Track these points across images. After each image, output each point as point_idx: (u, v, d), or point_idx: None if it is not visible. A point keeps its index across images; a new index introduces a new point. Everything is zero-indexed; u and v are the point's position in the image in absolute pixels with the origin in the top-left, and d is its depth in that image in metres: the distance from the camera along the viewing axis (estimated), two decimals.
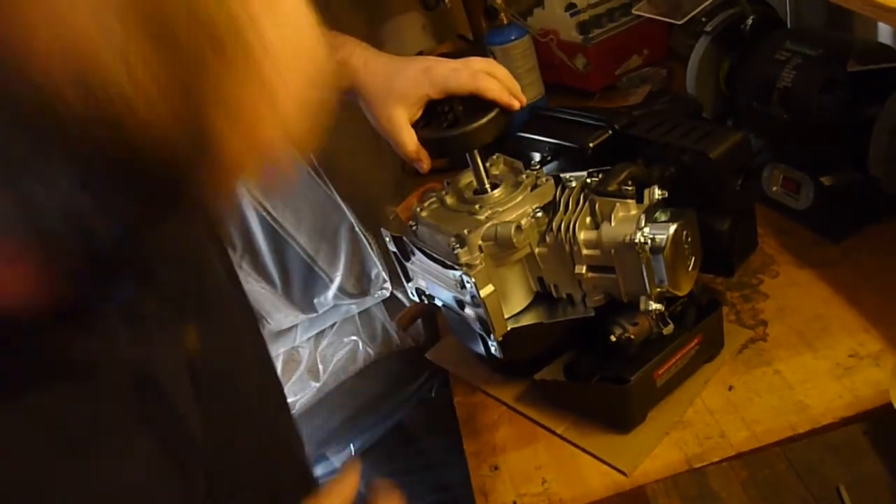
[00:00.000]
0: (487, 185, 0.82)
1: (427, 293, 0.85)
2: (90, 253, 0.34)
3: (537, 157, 0.89)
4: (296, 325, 1.21)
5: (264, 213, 1.16)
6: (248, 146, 0.36)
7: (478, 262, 0.76)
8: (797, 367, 0.82)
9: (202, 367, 0.52)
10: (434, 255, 0.80)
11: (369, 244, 1.21)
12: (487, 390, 0.91)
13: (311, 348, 1.23)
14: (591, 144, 0.84)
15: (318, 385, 1.19)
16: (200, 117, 0.33)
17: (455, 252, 0.76)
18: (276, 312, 1.17)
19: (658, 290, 0.73)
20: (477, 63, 0.83)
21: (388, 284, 1.20)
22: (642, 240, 0.70)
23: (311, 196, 1.14)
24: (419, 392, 1.27)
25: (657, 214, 0.73)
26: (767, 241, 0.99)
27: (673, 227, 0.70)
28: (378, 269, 1.22)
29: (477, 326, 0.80)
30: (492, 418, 0.88)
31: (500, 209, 0.79)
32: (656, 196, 0.74)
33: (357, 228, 1.20)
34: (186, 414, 0.51)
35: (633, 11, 1.26)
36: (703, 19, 1.04)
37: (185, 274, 0.53)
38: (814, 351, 0.83)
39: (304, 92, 0.38)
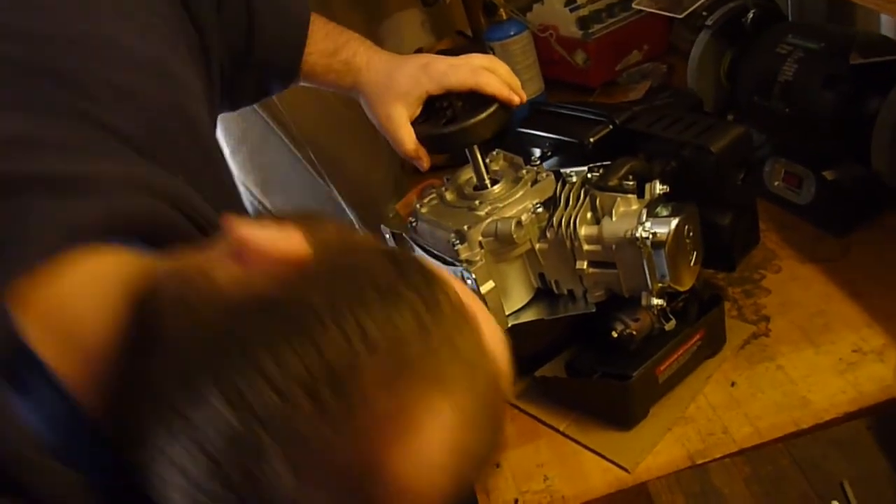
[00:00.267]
0: (487, 181, 0.82)
1: None
2: None
3: (537, 152, 0.89)
4: None
5: (263, 211, 1.16)
6: None
7: (478, 258, 0.75)
8: (800, 362, 0.82)
9: None
10: (434, 251, 0.79)
11: None
12: None
13: None
14: (591, 139, 0.84)
15: None
16: None
17: (455, 248, 0.75)
18: None
19: (659, 285, 0.72)
20: (477, 59, 0.82)
21: None
22: (643, 235, 0.70)
23: (311, 194, 1.14)
24: None
25: (658, 209, 0.72)
26: (769, 236, 0.98)
27: (674, 222, 0.70)
28: None
29: None
30: None
31: (501, 205, 0.78)
32: (657, 191, 0.74)
33: (357, 226, 1.19)
34: None
35: (634, 6, 1.25)
36: (704, 13, 1.03)
37: None
38: (816, 346, 0.83)
39: None
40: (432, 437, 0.40)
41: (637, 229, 0.70)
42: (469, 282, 0.75)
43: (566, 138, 0.87)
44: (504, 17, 1.31)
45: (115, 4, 0.61)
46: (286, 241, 0.43)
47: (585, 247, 0.75)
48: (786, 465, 0.70)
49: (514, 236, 0.75)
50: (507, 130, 0.85)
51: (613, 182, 0.74)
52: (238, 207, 0.69)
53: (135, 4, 0.63)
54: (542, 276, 0.81)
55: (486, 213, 0.78)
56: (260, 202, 1.18)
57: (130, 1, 0.63)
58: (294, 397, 0.38)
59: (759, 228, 0.84)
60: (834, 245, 0.95)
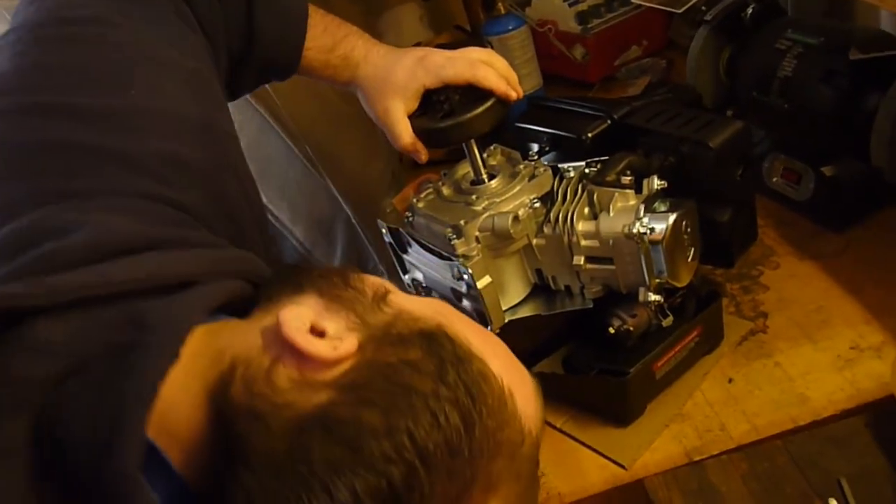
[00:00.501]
0: (484, 176, 0.81)
1: (424, 285, 0.85)
2: None
3: (535, 147, 0.88)
4: None
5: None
6: None
7: (475, 252, 0.75)
8: (798, 359, 0.81)
9: None
10: (431, 246, 0.79)
11: (366, 237, 1.20)
12: None
13: None
14: (589, 134, 0.83)
15: None
16: None
17: (452, 243, 0.75)
18: None
19: (657, 281, 0.72)
20: (474, 52, 0.82)
21: (385, 277, 1.19)
22: (641, 230, 0.69)
23: (307, 188, 1.14)
24: None
25: (656, 205, 0.72)
26: (768, 232, 0.98)
27: (672, 218, 0.69)
28: (375, 262, 1.21)
29: (474, 318, 0.79)
30: None
31: (498, 200, 0.78)
32: (655, 186, 0.73)
33: (353, 221, 1.19)
34: None
35: (633, 1, 1.24)
36: (703, 8, 1.02)
37: None
38: (814, 343, 0.83)
39: None
40: None
41: (634, 225, 0.69)
42: (465, 277, 0.74)
43: (564, 133, 0.86)
44: (502, 11, 1.31)
45: (153, 60, 0.63)
46: (336, 352, 0.46)
47: (583, 242, 0.74)
48: (783, 463, 0.69)
49: (511, 231, 0.74)
50: (504, 125, 0.85)
51: (611, 177, 0.74)
52: (265, 230, 0.72)
53: (166, 50, 0.64)
54: (539, 272, 0.81)
55: (483, 208, 0.77)
56: None
57: (163, 49, 0.64)
58: None
59: (757, 224, 0.83)
60: (832, 241, 0.94)
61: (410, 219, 0.84)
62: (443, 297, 0.82)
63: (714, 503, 0.68)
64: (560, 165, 0.80)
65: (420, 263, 0.83)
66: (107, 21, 0.62)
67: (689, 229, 0.72)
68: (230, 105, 0.72)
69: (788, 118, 0.92)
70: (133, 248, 0.51)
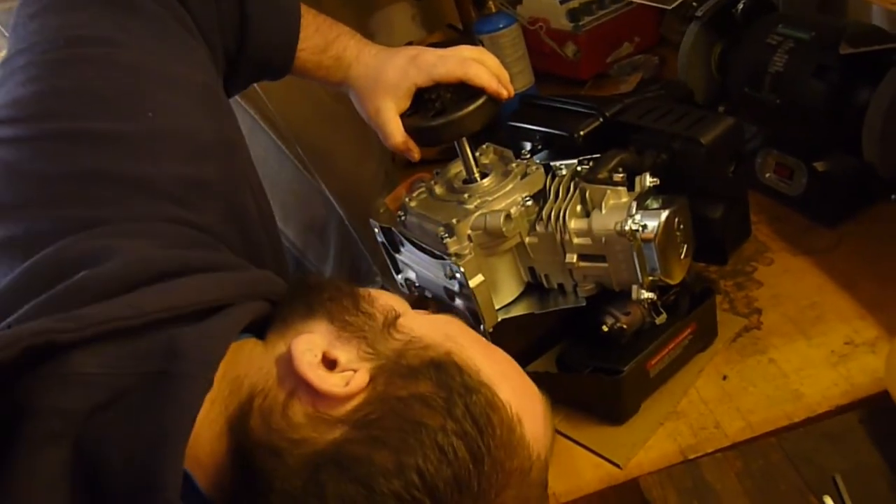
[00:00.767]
0: (477, 175, 0.81)
1: (417, 285, 0.84)
2: None
3: (528, 145, 0.88)
4: None
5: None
6: None
7: (467, 251, 0.74)
8: (792, 355, 0.81)
9: None
10: (423, 245, 0.78)
11: (359, 238, 1.20)
12: None
13: None
14: (581, 132, 0.83)
15: None
16: None
17: (444, 242, 0.74)
18: None
19: (650, 278, 0.71)
20: (466, 51, 0.82)
21: (378, 278, 1.19)
22: (633, 227, 0.69)
23: (299, 189, 1.13)
24: None
25: (648, 202, 0.72)
26: (761, 228, 0.98)
27: (664, 215, 0.69)
28: (369, 263, 1.21)
29: (467, 317, 0.79)
30: None
31: (490, 198, 0.77)
32: (647, 183, 0.73)
33: (346, 222, 1.18)
34: None
35: None
36: (694, 4, 1.02)
37: None
38: (809, 339, 0.82)
39: None
40: None
41: (627, 222, 0.69)
42: (458, 276, 0.74)
43: (556, 131, 0.86)
44: (493, 9, 1.31)
45: (164, 79, 0.63)
46: (348, 388, 0.48)
47: (575, 240, 0.74)
48: (778, 460, 0.69)
49: (504, 230, 0.74)
50: (497, 123, 0.84)
51: (603, 175, 0.74)
52: (276, 239, 0.73)
53: (174, 66, 0.64)
54: (532, 270, 0.80)
55: (476, 207, 0.77)
56: None
57: (171, 65, 0.64)
58: None
59: (750, 220, 0.83)
60: (826, 236, 0.94)
61: (403, 218, 0.83)
62: (435, 297, 0.82)
63: (709, 501, 0.68)
64: (552, 163, 0.80)
65: (413, 263, 0.83)
66: (111, 41, 0.62)
67: (681, 226, 0.71)
68: None
69: (780, 113, 0.92)
70: (162, 274, 0.52)
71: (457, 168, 0.83)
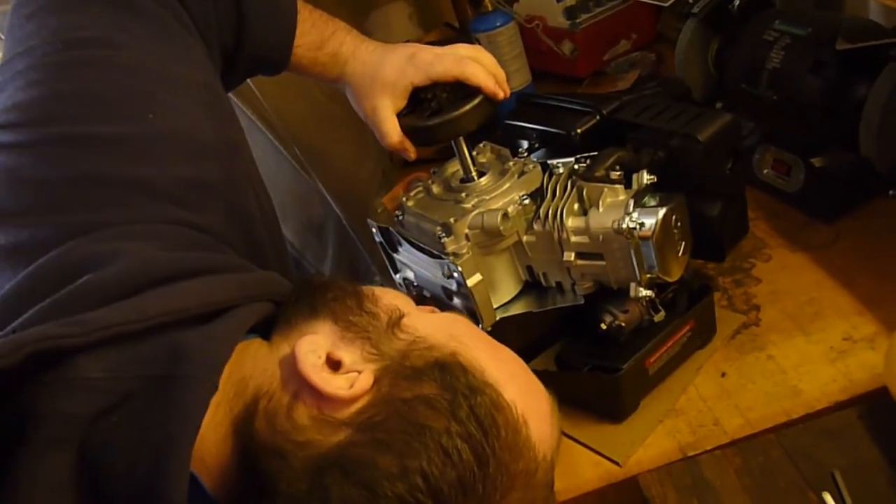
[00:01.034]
0: (474, 173, 0.81)
1: (415, 284, 0.84)
2: None
3: (525, 144, 0.88)
4: None
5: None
6: None
7: (464, 250, 0.74)
8: (791, 351, 0.81)
9: None
10: (421, 244, 0.78)
11: (357, 237, 1.20)
12: None
13: None
14: (578, 130, 0.83)
15: None
16: None
17: (441, 241, 0.74)
18: None
19: (648, 276, 0.71)
20: (462, 49, 0.82)
21: (377, 277, 1.19)
22: (631, 225, 0.69)
23: (296, 189, 1.13)
24: None
25: (646, 199, 0.72)
26: (759, 225, 0.97)
27: (662, 212, 0.69)
28: (367, 263, 1.21)
29: (466, 317, 0.79)
30: None
31: (487, 197, 0.77)
32: (645, 181, 0.73)
33: (344, 222, 1.18)
34: None
35: None
36: (690, 0, 1.02)
37: None
38: (807, 335, 0.82)
39: None
40: None
41: (624, 220, 0.69)
42: (456, 275, 0.74)
43: (553, 130, 0.86)
44: (490, 8, 1.30)
45: (164, 80, 0.63)
46: (352, 390, 0.48)
47: (573, 238, 0.74)
48: (777, 456, 0.69)
49: (501, 228, 0.74)
50: (494, 122, 0.84)
51: (600, 173, 0.74)
52: (278, 237, 0.73)
53: (175, 66, 0.64)
54: (530, 269, 0.80)
55: (473, 206, 0.77)
56: None
57: (172, 65, 0.64)
58: None
59: (748, 217, 0.83)
60: (823, 232, 0.94)
61: (400, 218, 0.83)
62: (434, 296, 0.82)
63: (708, 498, 0.68)
64: (549, 162, 0.79)
65: (411, 262, 0.83)
66: (111, 43, 0.62)
67: (679, 224, 0.71)
68: None
69: (777, 110, 0.92)
70: (166, 277, 0.52)
71: (454, 167, 0.83)
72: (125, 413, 0.45)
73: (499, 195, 0.78)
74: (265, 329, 0.55)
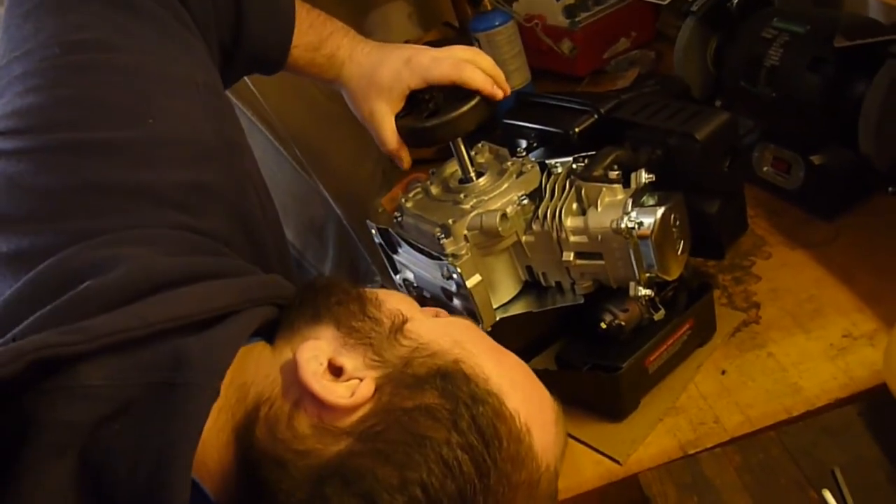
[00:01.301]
0: (472, 174, 0.81)
1: (415, 285, 0.84)
2: None
3: (523, 143, 0.88)
4: None
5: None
6: None
7: (463, 251, 0.74)
8: (791, 349, 0.81)
9: None
10: (420, 245, 0.78)
11: (358, 238, 1.20)
12: None
13: None
14: (576, 129, 0.83)
15: None
16: None
17: (440, 242, 0.74)
18: None
19: (647, 275, 0.71)
20: (460, 51, 0.81)
21: (378, 278, 1.19)
22: (629, 225, 0.69)
23: (297, 190, 1.13)
24: None
25: (644, 198, 0.72)
26: (758, 223, 0.97)
27: (660, 211, 0.69)
28: (367, 263, 1.21)
29: (465, 318, 0.79)
30: None
31: (486, 198, 0.77)
32: (643, 180, 0.73)
33: (344, 222, 1.18)
34: None
35: None
36: None
37: None
38: (807, 332, 0.82)
39: None
40: None
41: (623, 219, 0.69)
42: (455, 276, 0.74)
43: (551, 129, 0.86)
44: (489, 7, 1.30)
45: (164, 82, 0.62)
46: (353, 399, 0.48)
47: (571, 238, 0.74)
48: (777, 454, 0.69)
49: (500, 229, 0.74)
50: (493, 122, 0.84)
51: (598, 172, 0.74)
52: (280, 239, 0.73)
53: (174, 67, 0.64)
54: (529, 269, 0.80)
55: (472, 207, 0.77)
56: None
57: (171, 66, 0.64)
58: None
59: (747, 215, 0.83)
60: (823, 229, 0.94)
61: (399, 219, 0.83)
62: (433, 297, 0.82)
63: (708, 496, 0.68)
64: (548, 161, 0.79)
65: (410, 263, 0.83)
66: (110, 45, 0.61)
67: (677, 222, 0.71)
68: None
69: (776, 107, 0.92)
70: (167, 282, 0.52)
71: (452, 168, 0.83)
72: (127, 420, 0.45)
73: (497, 195, 0.78)
74: (269, 332, 0.55)
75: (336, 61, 0.83)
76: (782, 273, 0.90)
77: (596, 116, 0.83)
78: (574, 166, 0.77)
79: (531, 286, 0.82)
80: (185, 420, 0.45)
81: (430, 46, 0.84)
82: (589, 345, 0.81)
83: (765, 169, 1.00)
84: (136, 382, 0.46)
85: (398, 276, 0.86)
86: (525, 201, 0.77)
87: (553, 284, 0.80)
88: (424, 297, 0.84)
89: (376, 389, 0.49)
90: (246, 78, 1.07)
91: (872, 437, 0.68)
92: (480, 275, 0.75)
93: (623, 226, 0.69)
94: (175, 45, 0.65)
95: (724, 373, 0.81)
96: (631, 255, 0.70)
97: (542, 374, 0.82)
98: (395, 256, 0.85)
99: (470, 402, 0.48)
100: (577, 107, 0.85)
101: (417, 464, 0.45)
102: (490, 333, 0.77)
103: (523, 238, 0.77)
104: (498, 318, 0.78)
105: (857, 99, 0.82)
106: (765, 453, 0.70)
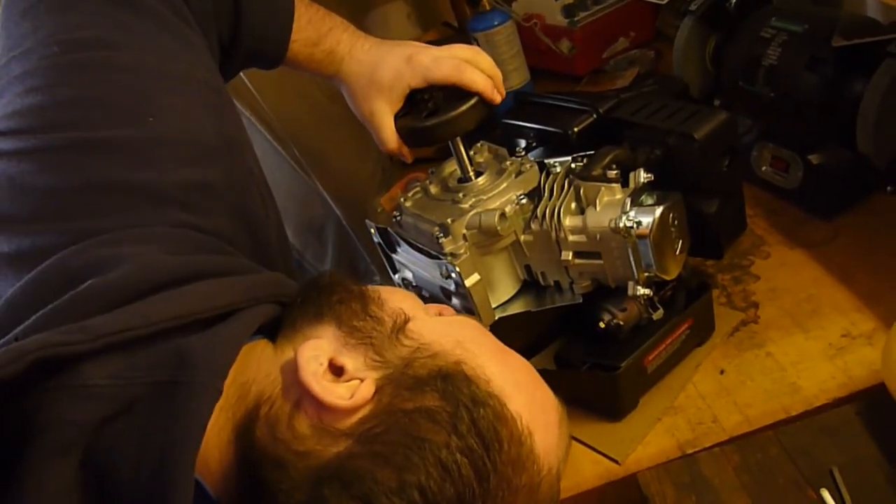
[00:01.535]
0: (471, 174, 0.81)
1: (414, 284, 0.84)
2: None
3: (522, 143, 0.88)
4: None
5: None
6: None
7: (462, 251, 0.74)
8: (789, 348, 0.81)
9: None
10: (419, 245, 0.79)
11: (357, 237, 1.20)
12: None
13: None
14: (575, 129, 0.83)
15: None
16: None
17: (439, 241, 0.75)
18: None
19: (646, 274, 0.71)
20: (460, 51, 0.81)
21: (377, 278, 1.19)
22: (628, 224, 0.69)
23: (296, 190, 1.13)
24: None
25: (643, 198, 0.72)
26: (757, 222, 0.97)
27: (659, 211, 0.69)
28: (366, 263, 1.21)
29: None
30: None
31: (484, 197, 0.78)
32: (642, 179, 0.73)
33: (344, 222, 1.19)
34: None
35: None
36: None
37: None
38: (806, 332, 0.82)
39: None
40: None
41: (621, 219, 0.69)
42: (454, 275, 0.74)
43: (550, 128, 0.86)
44: (487, 7, 1.30)
45: (164, 79, 0.62)
46: (353, 400, 0.47)
47: (570, 237, 0.74)
48: (775, 454, 0.69)
49: (499, 228, 0.74)
50: (492, 122, 0.84)
51: (597, 172, 0.74)
52: (283, 235, 0.73)
53: (174, 64, 0.64)
54: (528, 268, 0.81)
55: (470, 206, 0.77)
56: None
57: (171, 63, 0.63)
58: None
59: (745, 214, 0.83)
60: (822, 229, 0.94)
61: (398, 218, 0.83)
62: (432, 296, 0.82)
63: (707, 496, 0.68)
64: (546, 161, 0.80)
65: (409, 263, 0.83)
66: (110, 43, 0.61)
67: (676, 222, 0.71)
68: None
69: (774, 106, 0.92)
70: (169, 281, 0.52)
71: (451, 167, 0.84)
72: (130, 419, 0.45)
73: (496, 195, 0.78)
74: (272, 330, 0.55)
75: (335, 57, 0.83)
76: (781, 273, 0.91)
77: (595, 116, 0.83)
78: (573, 166, 0.77)
79: (530, 285, 0.82)
80: (188, 419, 0.45)
81: (428, 45, 0.84)
82: (587, 344, 0.81)
83: (763, 168, 1.00)
84: (139, 381, 0.46)
85: (397, 276, 0.86)
86: (524, 201, 0.77)
87: (552, 284, 0.80)
88: (423, 296, 0.84)
89: (377, 391, 0.48)
90: (244, 77, 1.07)
91: (871, 437, 0.68)
92: (479, 274, 0.75)
93: (621, 225, 0.69)
94: (175, 42, 0.65)
95: (722, 372, 0.81)
96: (629, 255, 0.71)
97: (541, 374, 0.83)
98: (394, 256, 0.85)
99: (470, 404, 0.48)
100: (575, 106, 0.85)
101: (416, 467, 0.45)
102: None
103: (522, 237, 0.77)
104: (496, 318, 0.78)
105: (855, 98, 0.82)
106: (763, 453, 0.70)
